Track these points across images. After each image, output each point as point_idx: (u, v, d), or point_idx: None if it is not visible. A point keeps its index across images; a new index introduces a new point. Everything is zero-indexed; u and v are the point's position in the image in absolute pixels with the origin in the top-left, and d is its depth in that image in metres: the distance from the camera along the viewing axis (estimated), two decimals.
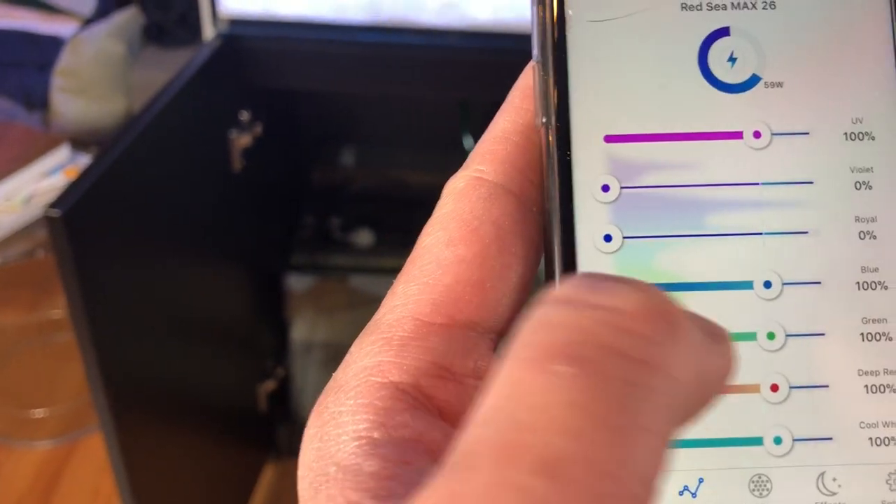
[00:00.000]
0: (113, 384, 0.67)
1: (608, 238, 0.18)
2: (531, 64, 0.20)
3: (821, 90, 0.19)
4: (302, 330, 1.10)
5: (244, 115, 0.87)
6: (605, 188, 0.19)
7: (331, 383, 0.18)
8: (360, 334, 0.19)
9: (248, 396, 1.00)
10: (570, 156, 0.19)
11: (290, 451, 1.08)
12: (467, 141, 1.12)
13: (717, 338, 0.15)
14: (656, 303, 0.13)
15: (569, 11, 0.19)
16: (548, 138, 0.19)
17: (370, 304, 1.21)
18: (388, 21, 0.85)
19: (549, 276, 0.19)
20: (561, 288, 0.14)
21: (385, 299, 0.19)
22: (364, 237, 1.17)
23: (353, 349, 0.19)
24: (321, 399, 0.18)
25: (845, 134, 0.19)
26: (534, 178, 0.19)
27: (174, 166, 0.77)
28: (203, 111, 0.82)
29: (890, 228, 0.18)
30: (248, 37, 0.85)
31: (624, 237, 0.18)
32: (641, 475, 0.12)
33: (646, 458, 0.12)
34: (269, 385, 1.01)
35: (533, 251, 0.19)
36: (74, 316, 0.63)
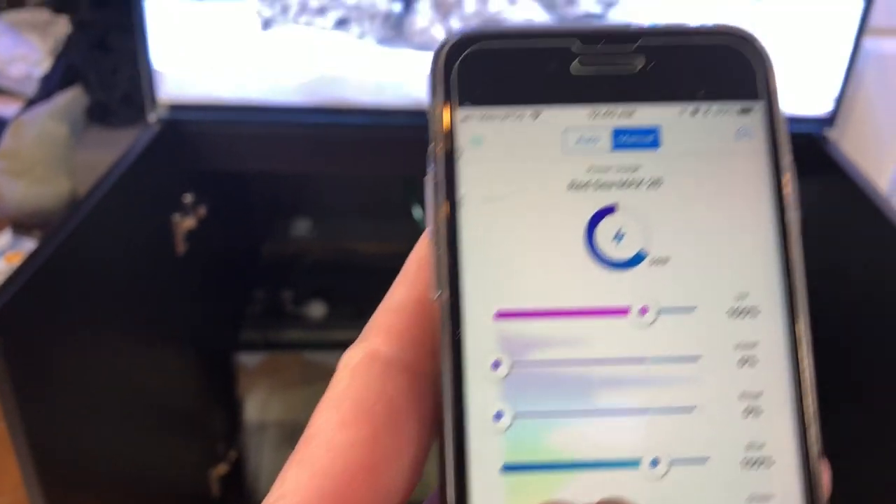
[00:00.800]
0: (50, 477, 0.65)
1: (499, 415, 0.18)
2: (426, 235, 0.20)
3: (706, 265, 0.19)
4: (254, 409, 1.08)
5: (187, 199, 0.86)
6: (496, 365, 0.18)
7: None
8: None
9: (200, 482, 0.97)
10: (461, 332, 0.18)
11: None
12: (416, 211, 1.12)
13: None
14: None
15: (461, 190, 0.19)
16: (440, 314, 0.19)
17: (324, 378, 1.20)
18: (327, 102, 0.86)
19: (441, 458, 0.18)
20: None
21: (275, 484, 0.19)
22: (316, 309, 1.15)
23: None
24: None
25: (730, 309, 0.19)
26: (430, 350, 0.19)
27: (116, 253, 0.76)
28: (145, 197, 0.81)
29: (775, 403, 0.18)
30: (188, 121, 0.85)
31: (515, 414, 0.18)
32: None
33: None
34: (222, 469, 0.99)
35: (427, 430, 0.19)
36: (7, 412, 0.61)
